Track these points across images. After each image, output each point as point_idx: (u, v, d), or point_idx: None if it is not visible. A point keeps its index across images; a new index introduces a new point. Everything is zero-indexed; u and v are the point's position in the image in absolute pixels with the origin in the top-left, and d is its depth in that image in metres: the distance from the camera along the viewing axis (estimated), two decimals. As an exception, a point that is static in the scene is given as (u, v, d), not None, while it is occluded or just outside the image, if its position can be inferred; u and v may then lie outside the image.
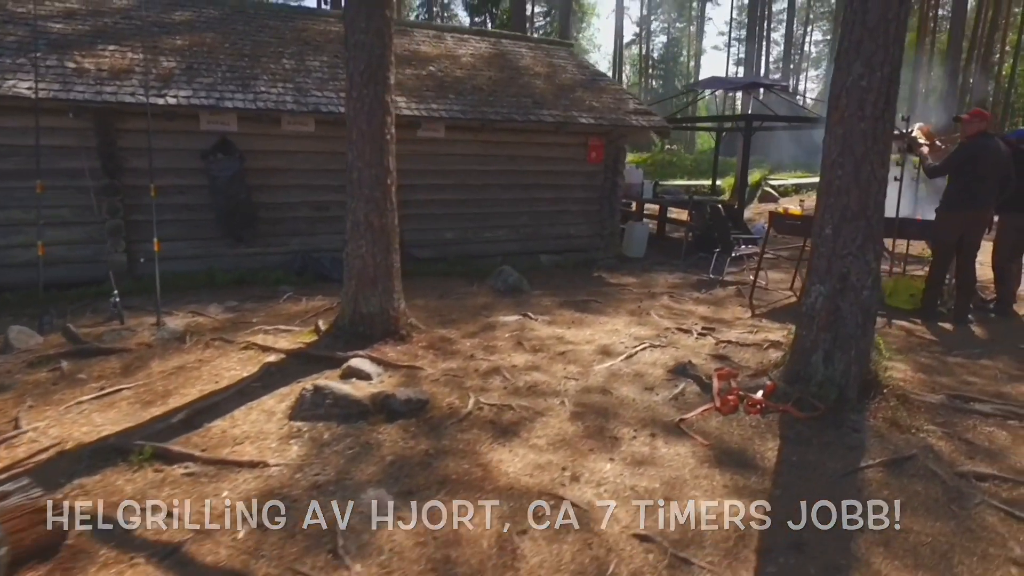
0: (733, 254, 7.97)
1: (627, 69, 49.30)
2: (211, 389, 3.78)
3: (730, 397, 3.71)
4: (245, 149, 6.58)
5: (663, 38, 52.92)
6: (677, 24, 51.96)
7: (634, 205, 10.35)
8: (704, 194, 10.54)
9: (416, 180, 7.55)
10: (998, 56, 26.11)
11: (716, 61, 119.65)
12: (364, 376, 3.92)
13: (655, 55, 51.91)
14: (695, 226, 9.18)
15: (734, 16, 50.71)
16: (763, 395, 3.71)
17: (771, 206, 13.79)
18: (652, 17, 50.27)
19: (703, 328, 5.44)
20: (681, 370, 4.22)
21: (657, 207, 10.52)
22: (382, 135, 4.55)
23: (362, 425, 3.36)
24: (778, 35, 47.86)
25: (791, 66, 46.25)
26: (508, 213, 8.24)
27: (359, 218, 4.56)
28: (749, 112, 10.28)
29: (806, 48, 50.90)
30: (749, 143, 9.91)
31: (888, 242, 6.42)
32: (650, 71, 50.69)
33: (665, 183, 12.52)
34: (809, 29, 49.90)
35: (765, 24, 42.80)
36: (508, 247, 8.32)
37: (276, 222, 6.92)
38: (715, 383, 3.94)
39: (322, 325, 4.94)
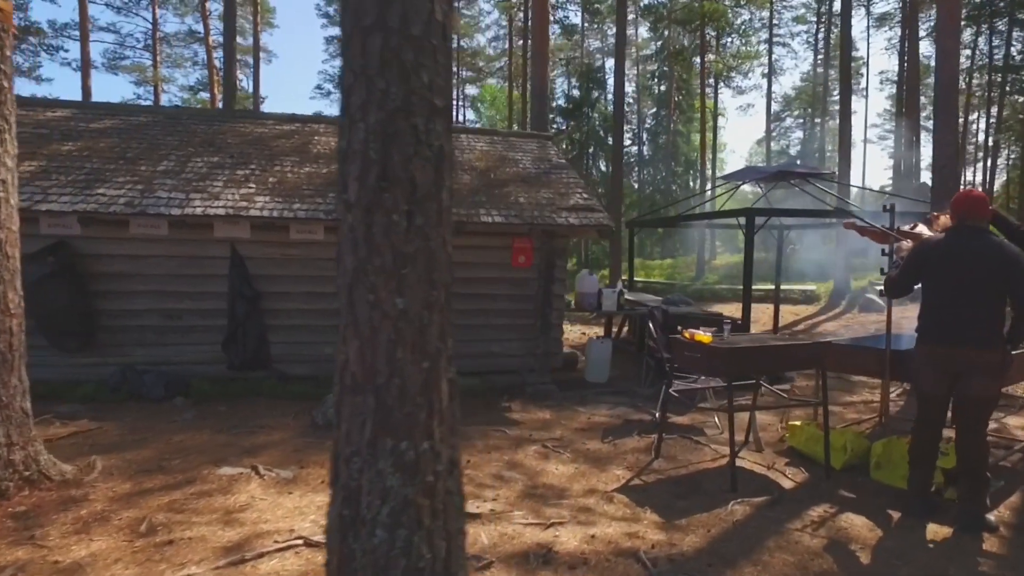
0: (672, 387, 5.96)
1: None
2: None
3: None
4: (90, 253, 6.21)
5: (799, 133, 49.57)
6: (815, 119, 48.51)
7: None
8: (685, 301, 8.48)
9: (288, 287, 6.70)
10: None
11: (873, 154, 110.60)
12: None
13: (791, 151, 48.52)
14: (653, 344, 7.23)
15: (886, 107, 46.32)
16: None
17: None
18: (784, 113, 47.45)
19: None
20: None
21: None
22: None
23: None
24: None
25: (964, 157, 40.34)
26: (408, 325, 7.01)
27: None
28: (755, 206, 8.27)
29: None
30: (752, 241, 7.88)
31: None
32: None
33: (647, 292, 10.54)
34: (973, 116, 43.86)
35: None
36: (408, 365, 7.02)
37: (120, 331, 6.37)
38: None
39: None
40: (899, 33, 33.14)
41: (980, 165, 29.37)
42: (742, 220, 8.03)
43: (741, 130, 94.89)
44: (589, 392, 7.20)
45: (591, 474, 4.65)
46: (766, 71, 36.79)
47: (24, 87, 42.75)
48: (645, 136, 39.39)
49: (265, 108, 35.91)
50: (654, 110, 37.51)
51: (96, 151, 6.92)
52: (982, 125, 29.36)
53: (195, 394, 6.11)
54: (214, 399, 6.07)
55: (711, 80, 29.93)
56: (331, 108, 47.87)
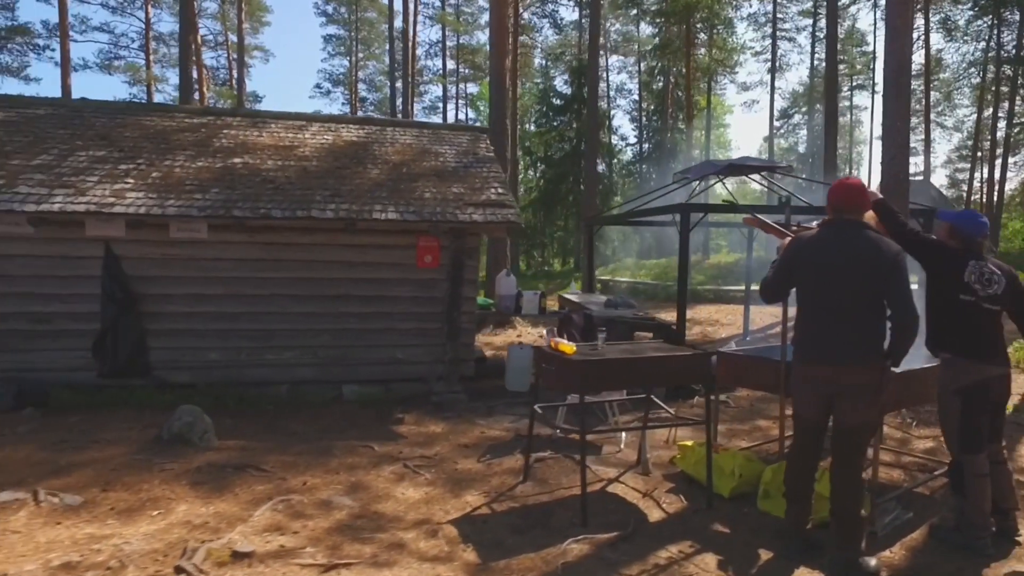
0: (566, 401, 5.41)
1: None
2: None
3: None
4: (-52, 252, 5.82)
5: (804, 132, 48.34)
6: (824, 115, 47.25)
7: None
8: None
9: (170, 289, 6.25)
10: None
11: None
12: None
13: (799, 149, 47.30)
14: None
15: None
16: None
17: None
18: (792, 110, 46.24)
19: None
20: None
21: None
22: None
23: None
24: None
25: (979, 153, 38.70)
26: (302, 331, 6.53)
27: None
28: (685, 202, 7.66)
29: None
30: (687, 239, 7.28)
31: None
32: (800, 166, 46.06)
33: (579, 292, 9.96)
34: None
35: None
36: (301, 373, 6.55)
37: (-18, 336, 5.96)
38: None
39: None
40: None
41: (999, 162, 28.06)
42: (678, 217, 7.44)
43: (748, 127, 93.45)
44: (501, 402, 6.66)
45: (439, 500, 4.13)
46: (770, 66, 35.93)
47: (12, 87, 42.96)
48: (645, 134, 38.68)
49: (263, 107, 35.65)
50: (652, 107, 36.66)
51: (-28, 145, 6.53)
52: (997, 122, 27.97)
53: (54, 404, 5.68)
54: (73, 410, 5.63)
55: (706, 76, 29.03)
56: (331, 107, 47.66)
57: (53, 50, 26.49)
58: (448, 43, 42.63)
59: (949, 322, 3.53)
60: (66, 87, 21.93)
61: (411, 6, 35.52)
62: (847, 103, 45.81)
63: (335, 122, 8.49)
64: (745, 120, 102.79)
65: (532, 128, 35.14)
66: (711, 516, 3.96)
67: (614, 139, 38.16)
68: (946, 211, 4.39)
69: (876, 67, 39.50)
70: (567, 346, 4.18)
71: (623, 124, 72.99)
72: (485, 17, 44.47)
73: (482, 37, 44.96)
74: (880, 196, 3.82)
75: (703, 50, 26.83)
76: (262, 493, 4.06)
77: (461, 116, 46.37)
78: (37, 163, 6.31)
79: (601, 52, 43.16)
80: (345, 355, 6.62)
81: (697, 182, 10.35)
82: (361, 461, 4.79)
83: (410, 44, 35.66)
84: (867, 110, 64.69)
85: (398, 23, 37.79)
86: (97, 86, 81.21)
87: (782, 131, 48.39)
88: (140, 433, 5.05)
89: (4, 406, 5.45)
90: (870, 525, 3.66)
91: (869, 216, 3.56)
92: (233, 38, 35.20)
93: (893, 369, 3.31)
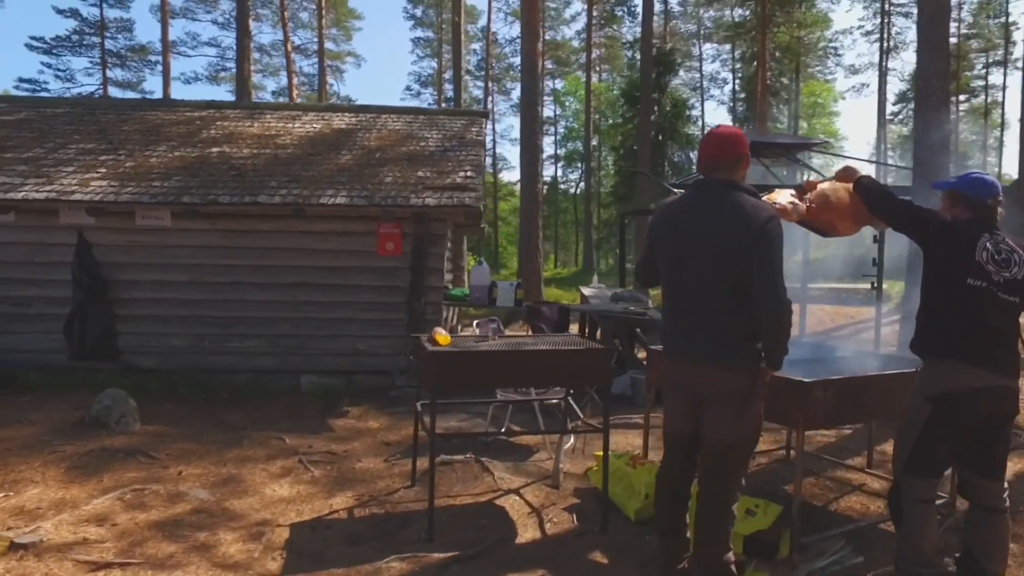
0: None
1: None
2: None
3: None
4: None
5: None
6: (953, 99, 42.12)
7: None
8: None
9: (138, 275, 6.37)
10: None
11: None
12: None
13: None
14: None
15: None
16: None
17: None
18: (911, 93, 41.62)
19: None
20: None
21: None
22: None
23: None
24: None
25: None
26: (263, 319, 6.44)
27: None
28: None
29: None
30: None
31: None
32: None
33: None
34: None
35: None
36: (263, 362, 6.46)
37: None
38: None
39: None
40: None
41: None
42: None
43: (860, 115, 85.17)
44: (462, 400, 6.21)
45: (305, 500, 3.81)
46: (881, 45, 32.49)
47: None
48: (735, 124, 36.31)
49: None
50: (743, 95, 34.39)
51: (-20, 141, 7.01)
52: None
53: (21, 384, 5.93)
54: (33, 390, 5.84)
55: (788, 56, 26.61)
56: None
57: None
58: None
59: (947, 315, 2.65)
60: (167, 97, 23.86)
61: (491, 4, 35.60)
62: (981, 83, 40.43)
63: (330, 111, 8.42)
64: (856, 106, 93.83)
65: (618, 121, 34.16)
66: (597, 542, 3.33)
67: (701, 132, 36.23)
68: (941, 181, 3.44)
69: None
70: (443, 337, 3.69)
71: (719, 115, 69.16)
72: (569, 11, 43.96)
73: (568, 32, 44.40)
74: (861, 173, 2.99)
75: (778, 29, 24.48)
76: (125, 480, 3.91)
77: (548, 113, 46.07)
78: (28, 156, 6.66)
79: (694, 41, 41.36)
80: (305, 345, 6.46)
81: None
82: (260, 454, 4.55)
83: (488, 42, 35.82)
84: (1009, 89, 57.02)
85: (483, 23, 38.19)
86: (206, 97, 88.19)
87: (900, 117, 43.67)
88: (69, 414, 5.12)
89: (-32, 384, 5.75)
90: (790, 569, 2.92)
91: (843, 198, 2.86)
92: (327, 45, 36.98)
93: (772, 373, 2.57)
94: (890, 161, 29.43)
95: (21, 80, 30.44)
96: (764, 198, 3.28)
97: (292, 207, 5.96)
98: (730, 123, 38.85)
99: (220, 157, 6.84)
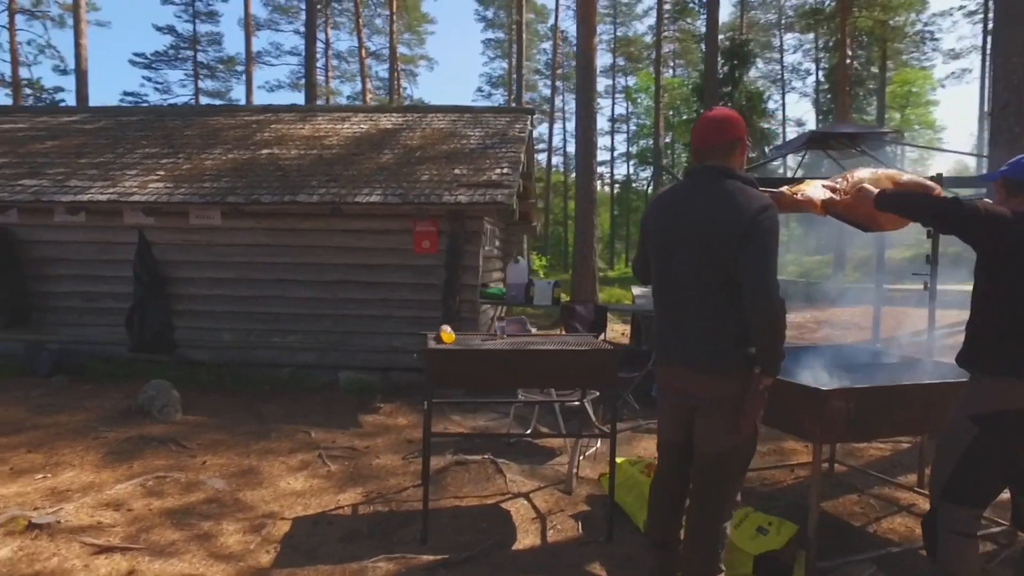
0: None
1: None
2: None
3: None
4: (26, 239, 6.79)
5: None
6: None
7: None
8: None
9: (192, 272, 6.71)
10: None
11: None
12: None
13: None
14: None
15: None
16: None
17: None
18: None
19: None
20: None
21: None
22: None
23: None
24: None
25: None
26: (304, 315, 6.62)
27: None
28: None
29: None
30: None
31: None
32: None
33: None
34: None
35: None
36: (303, 357, 6.64)
37: (51, 311, 6.86)
38: None
39: None
40: None
41: None
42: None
43: (963, 103, 78.15)
44: (495, 398, 6.14)
45: (315, 494, 3.85)
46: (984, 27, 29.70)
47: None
48: (819, 116, 34.31)
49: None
50: (827, 86, 32.43)
51: (63, 148, 7.60)
52: None
53: (88, 373, 6.37)
54: (98, 380, 6.26)
55: (873, 41, 24.77)
56: (491, 110, 49.26)
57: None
58: (604, 36, 41.79)
59: (998, 322, 2.35)
60: (249, 104, 25.21)
61: (558, 2, 35.38)
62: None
63: (378, 112, 8.57)
64: (958, 94, 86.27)
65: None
66: (599, 552, 3.18)
67: (781, 125, 34.53)
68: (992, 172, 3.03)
69: None
70: (448, 335, 3.65)
71: (802, 107, 65.43)
72: (641, 5, 43.05)
73: (640, 27, 43.52)
74: (875, 193, 2.68)
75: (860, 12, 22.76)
76: (152, 468, 4.09)
77: (621, 111, 45.33)
78: (99, 160, 7.16)
79: (775, 31, 39.48)
80: (344, 341, 6.59)
81: (802, 156, 8.82)
82: (284, 447, 4.66)
83: (558, 41, 35.62)
84: None
85: (553, 22, 38.07)
86: (282, 103, 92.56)
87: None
88: (120, 403, 5.44)
89: (40, 371, 6.23)
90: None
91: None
92: (400, 50, 37.97)
93: (767, 380, 2.34)
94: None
95: (125, 93, 33.17)
96: (791, 189, 3.02)
97: (329, 206, 6.09)
98: (813, 115, 36.92)
99: (269, 158, 7.10)
